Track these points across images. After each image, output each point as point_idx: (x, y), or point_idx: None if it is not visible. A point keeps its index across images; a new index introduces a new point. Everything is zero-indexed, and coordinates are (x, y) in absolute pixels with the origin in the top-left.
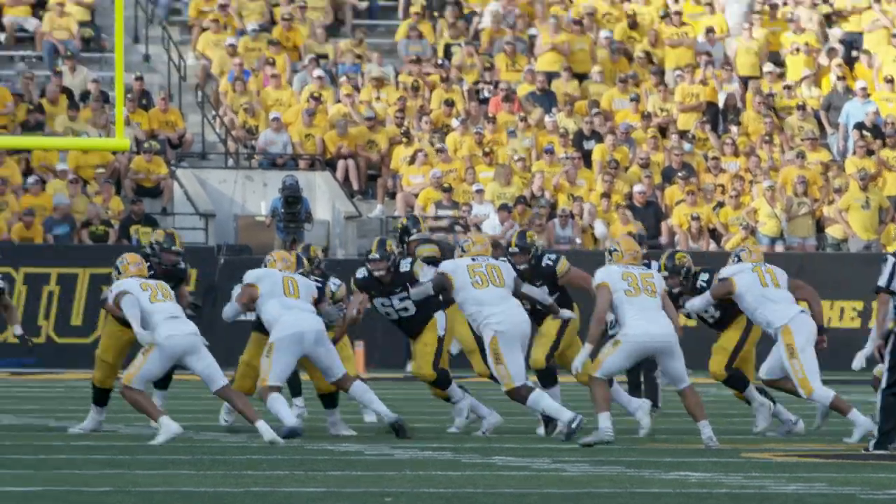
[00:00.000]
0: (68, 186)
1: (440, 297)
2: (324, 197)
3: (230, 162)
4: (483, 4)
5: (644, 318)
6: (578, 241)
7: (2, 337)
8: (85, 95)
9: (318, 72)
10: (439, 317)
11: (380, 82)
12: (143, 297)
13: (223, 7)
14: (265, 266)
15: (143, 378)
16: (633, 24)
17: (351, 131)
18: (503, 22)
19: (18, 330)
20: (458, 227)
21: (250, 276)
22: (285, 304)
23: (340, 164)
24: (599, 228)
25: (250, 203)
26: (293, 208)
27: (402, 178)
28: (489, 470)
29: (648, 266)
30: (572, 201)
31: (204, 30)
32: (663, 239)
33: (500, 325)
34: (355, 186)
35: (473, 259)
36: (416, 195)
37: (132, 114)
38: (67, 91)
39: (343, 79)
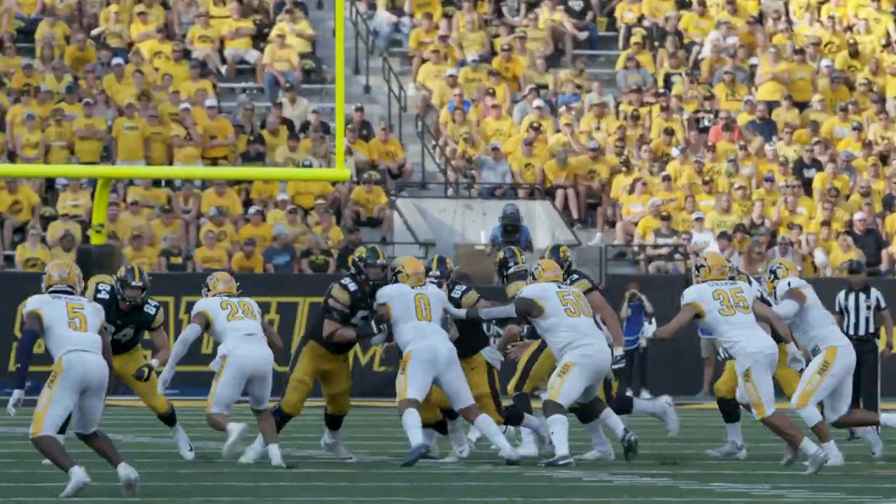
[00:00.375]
0: (288, 216)
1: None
2: (543, 226)
3: (450, 191)
4: (703, 34)
5: (751, 335)
6: (799, 268)
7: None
8: (305, 126)
9: (537, 102)
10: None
11: (600, 112)
12: (220, 315)
13: (443, 38)
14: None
15: (220, 402)
16: (855, 53)
17: (571, 161)
18: (723, 52)
19: (154, 363)
20: (677, 256)
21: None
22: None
23: (560, 193)
24: (819, 257)
25: (470, 232)
26: (512, 237)
27: (621, 207)
28: (708, 496)
29: (734, 280)
30: (791, 230)
31: (424, 61)
32: (884, 266)
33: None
34: (575, 215)
35: (559, 286)
36: (636, 223)
37: (352, 144)
38: (288, 122)
39: (562, 108)
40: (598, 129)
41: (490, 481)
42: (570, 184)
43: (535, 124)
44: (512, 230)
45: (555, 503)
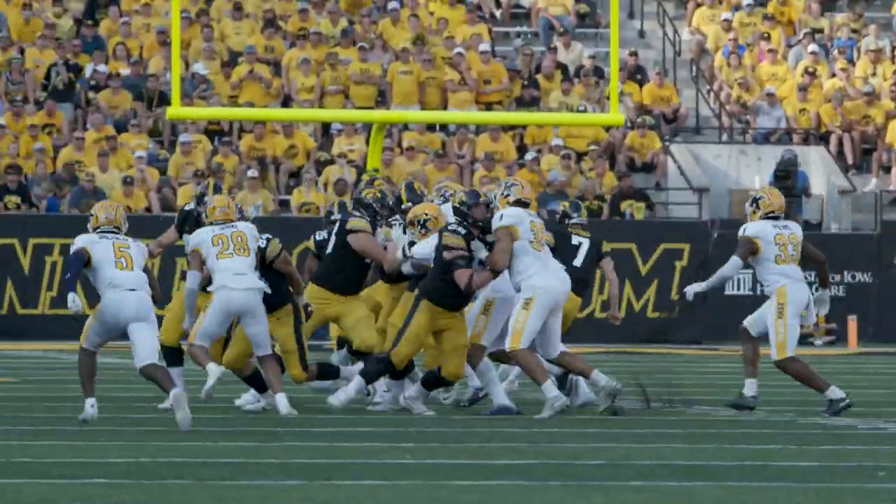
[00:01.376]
0: (561, 161)
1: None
2: (818, 171)
3: (724, 137)
4: None
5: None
6: None
7: None
8: (579, 71)
9: (812, 46)
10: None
11: (876, 56)
12: (212, 251)
13: None
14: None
15: (203, 335)
16: None
17: (846, 105)
18: None
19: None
20: None
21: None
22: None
23: (834, 138)
24: None
25: (744, 177)
26: (783, 183)
27: None
28: None
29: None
30: None
31: (699, 5)
32: None
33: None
34: (850, 161)
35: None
36: None
37: (626, 89)
38: (562, 66)
39: (836, 52)
40: (873, 74)
41: (763, 428)
42: (846, 127)
43: (809, 69)
44: (783, 176)
45: (829, 450)
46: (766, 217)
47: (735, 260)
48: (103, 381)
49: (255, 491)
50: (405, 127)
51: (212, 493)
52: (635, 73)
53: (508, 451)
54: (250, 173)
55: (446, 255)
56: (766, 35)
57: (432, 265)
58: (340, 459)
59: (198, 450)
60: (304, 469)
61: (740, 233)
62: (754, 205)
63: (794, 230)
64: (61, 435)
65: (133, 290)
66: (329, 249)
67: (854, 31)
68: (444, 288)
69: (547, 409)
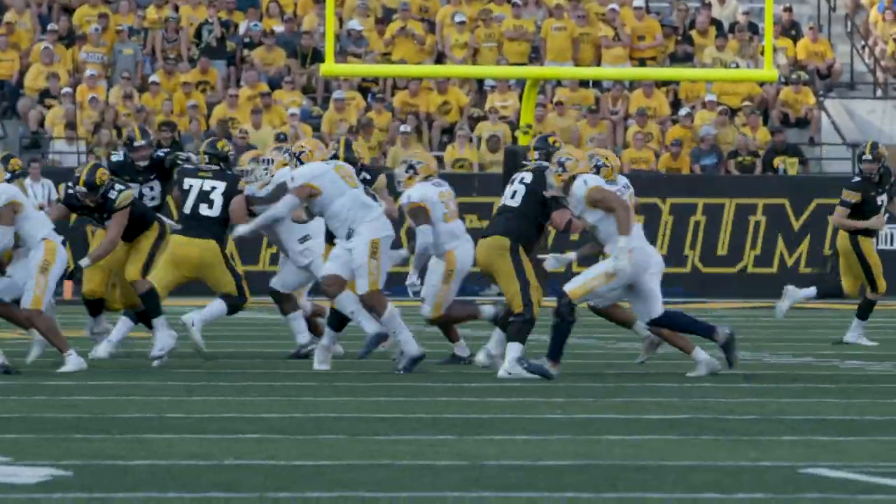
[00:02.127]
0: (715, 117)
1: None
2: None
3: (878, 92)
4: None
5: None
6: None
7: None
8: (733, 26)
9: None
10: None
11: None
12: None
13: None
14: None
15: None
16: None
17: None
18: None
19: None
20: None
21: None
22: None
23: None
24: None
25: None
26: None
27: None
28: None
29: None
30: None
31: None
32: None
33: None
34: None
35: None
36: None
37: (780, 44)
38: (716, 22)
39: None
40: None
41: (808, 382)
42: None
43: None
44: None
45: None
46: None
47: None
48: (255, 337)
49: (406, 446)
50: (558, 83)
51: (364, 448)
52: (789, 29)
53: (659, 406)
54: (403, 129)
55: (550, 193)
56: None
57: (520, 207)
58: (491, 414)
59: (349, 405)
60: (455, 424)
61: None
62: None
63: None
64: (214, 391)
65: None
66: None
67: None
68: (534, 231)
69: (702, 368)
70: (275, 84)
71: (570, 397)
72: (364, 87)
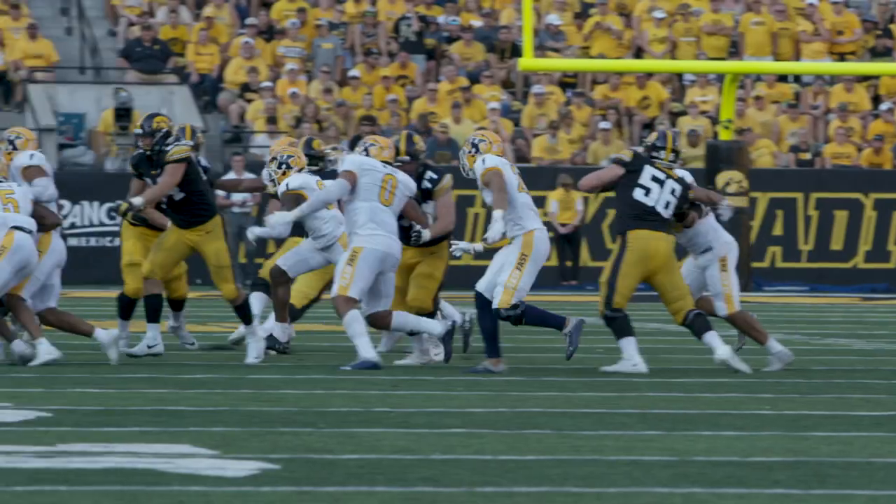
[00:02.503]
0: None
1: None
2: None
3: None
4: None
5: None
6: None
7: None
8: None
9: None
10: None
11: None
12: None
13: None
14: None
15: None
16: None
17: None
18: None
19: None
20: None
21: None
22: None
23: None
24: None
25: None
26: None
27: None
28: None
29: None
30: None
31: None
32: None
33: None
34: None
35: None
36: None
37: None
38: None
39: None
40: None
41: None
42: None
43: None
44: None
45: None
46: None
47: None
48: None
49: (614, 441)
50: (758, 77)
51: (570, 444)
52: None
53: (867, 403)
54: (602, 125)
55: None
56: None
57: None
58: (699, 410)
59: (556, 400)
60: (663, 419)
61: None
62: None
63: None
64: (419, 385)
65: None
66: None
67: None
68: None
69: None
70: (474, 78)
71: (778, 393)
72: (564, 82)
